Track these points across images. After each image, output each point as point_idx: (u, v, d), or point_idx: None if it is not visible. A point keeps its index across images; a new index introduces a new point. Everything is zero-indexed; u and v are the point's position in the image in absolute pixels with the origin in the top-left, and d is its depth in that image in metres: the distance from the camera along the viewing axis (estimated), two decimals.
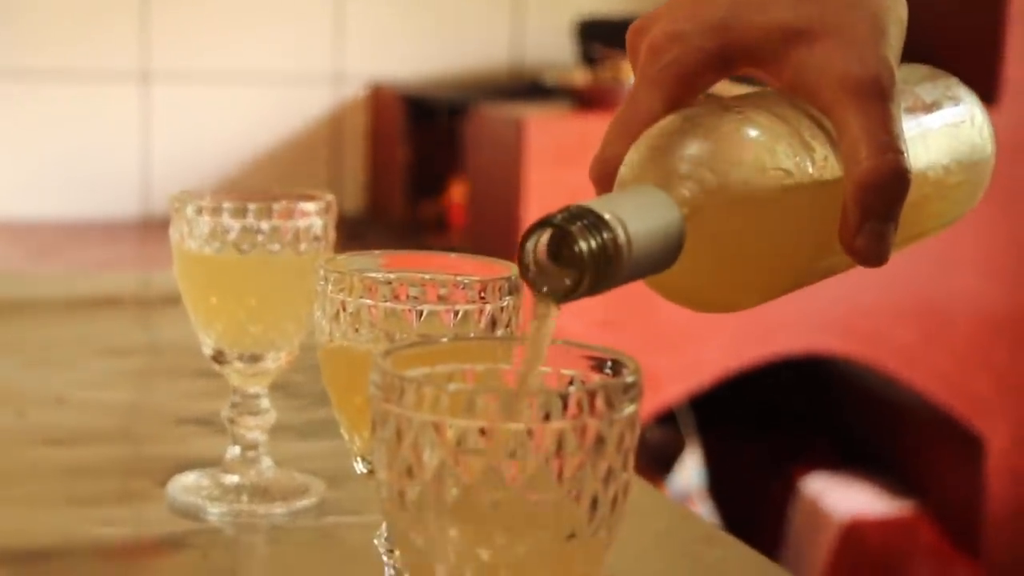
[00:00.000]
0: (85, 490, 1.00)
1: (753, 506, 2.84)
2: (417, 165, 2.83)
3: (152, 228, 2.71)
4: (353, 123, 2.99)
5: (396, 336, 0.64)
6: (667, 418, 2.64)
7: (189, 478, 0.97)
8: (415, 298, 0.65)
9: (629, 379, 0.43)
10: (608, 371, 0.46)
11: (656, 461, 2.65)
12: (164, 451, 1.06)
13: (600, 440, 0.42)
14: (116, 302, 1.57)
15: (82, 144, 2.82)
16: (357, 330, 0.65)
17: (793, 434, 2.92)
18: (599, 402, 0.42)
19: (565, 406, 0.42)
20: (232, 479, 0.96)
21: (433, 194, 2.79)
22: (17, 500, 0.96)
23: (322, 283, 0.66)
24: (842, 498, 2.70)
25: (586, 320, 2.34)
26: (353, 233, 2.60)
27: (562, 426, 0.42)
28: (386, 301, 0.65)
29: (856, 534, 2.67)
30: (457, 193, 2.71)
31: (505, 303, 0.64)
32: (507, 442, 0.41)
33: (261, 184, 2.87)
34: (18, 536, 0.87)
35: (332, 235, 0.89)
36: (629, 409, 0.42)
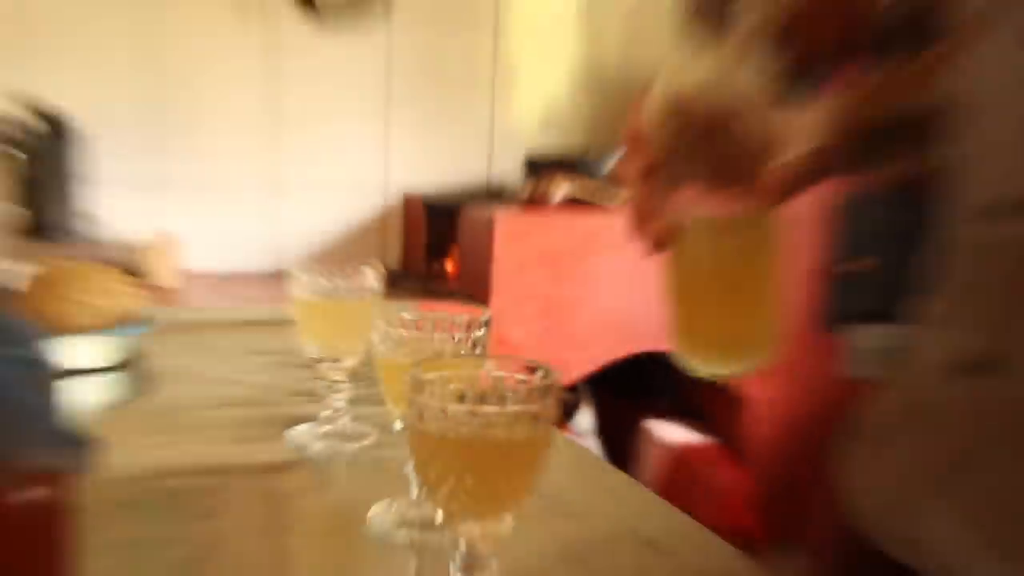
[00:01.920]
0: (240, 434, 1.31)
1: (621, 442, 3.36)
2: (431, 240, 3.45)
3: (278, 277, 3.10)
4: (395, 215, 3.65)
5: (419, 352, 0.93)
6: (571, 385, 3.22)
7: (301, 428, 1.27)
8: (429, 329, 0.95)
9: (552, 379, 0.71)
10: (540, 374, 0.72)
11: (563, 412, 3.06)
12: (287, 412, 1.37)
13: (535, 416, 0.69)
14: (260, 324, 1.98)
15: (241, 222, 3.47)
16: (396, 348, 0.96)
17: (645, 396, 3.45)
18: (537, 393, 0.70)
19: (519, 397, 0.70)
20: (325, 428, 1.26)
21: (440, 257, 3.41)
22: (200, 439, 1.28)
23: (378, 321, 0.96)
24: (671, 435, 3.32)
25: (528, 331, 3.01)
26: (394, 281, 3.32)
27: (518, 409, 0.69)
28: (413, 331, 0.95)
29: (677, 455, 3.27)
30: (453, 256, 3.33)
31: (481, 332, 0.95)
32: (485, 417, 0.67)
33: (343, 250, 3.50)
34: (200, 459, 1.19)
35: (380, 289, 1.24)
36: (550, 399, 0.70)
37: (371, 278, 1.24)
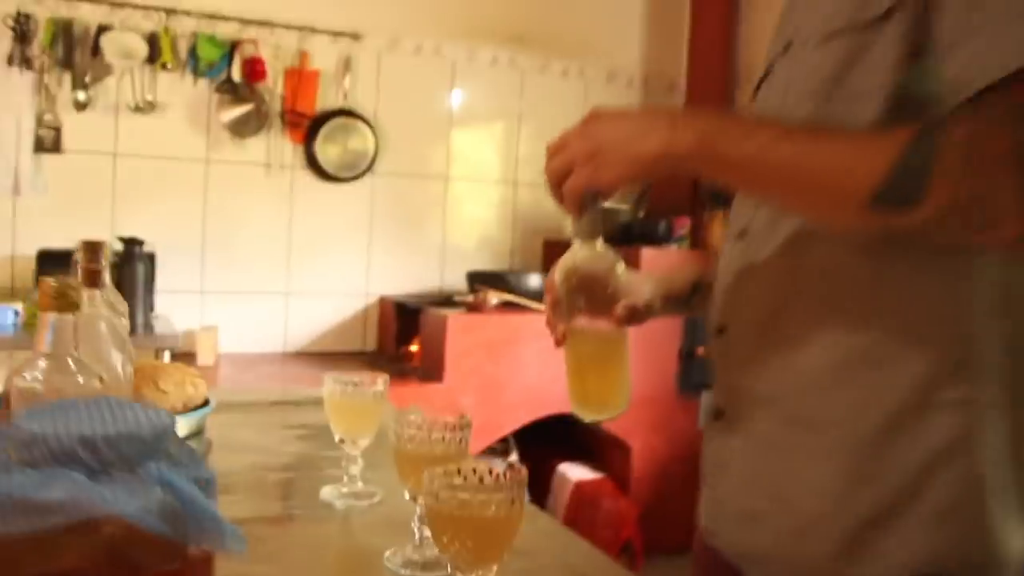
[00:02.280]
0: (279, 491, 1.30)
1: (541, 480, 3.36)
2: (399, 331, 3.43)
3: (286, 356, 3.44)
4: (372, 312, 3.61)
5: (424, 445, 0.95)
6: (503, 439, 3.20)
7: (328, 488, 1.23)
8: (429, 429, 0.96)
9: (523, 474, 0.78)
10: (516, 470, 0.79)
11: (499, 459, 2.81)
12: (316, 475, 1.31)
13: (513, 500, 0.75)
14: (295, 403, 1.86)
15: (261, 316, 3.44)
16: (407, 442, 0.96)
17: (555, 444, 3.42)
18: (515, 484, 0.77)
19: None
20: (345, 489, 1.22)
21: (406, 344, 3.37)
22: (244, 495, 1.22)
23: (395, 423, 0.97)
24: (575, 473, 3.34)
25: (474, 399, 3.02)
26: (372, 361, 3.34)
27: (501, 495, 0.74)
28: (419, 430, 0.96)
29: (580, 489, 3.29)
30: (417, 345, 3.29)
31: (465, 432, 0.97)
32: (480, 501, 0.73)
33: (335, 337, 3.52)
34: (252, 512, 1.14)
35: (387, 391, 1.21)
36: (521, 487, 0.76)
37: (380, 383, 1.23)
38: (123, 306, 1.12)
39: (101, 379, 0.87)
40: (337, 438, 1.23)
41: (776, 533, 0.90)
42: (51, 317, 0.83)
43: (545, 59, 3.81)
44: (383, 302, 3.62)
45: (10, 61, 3.02)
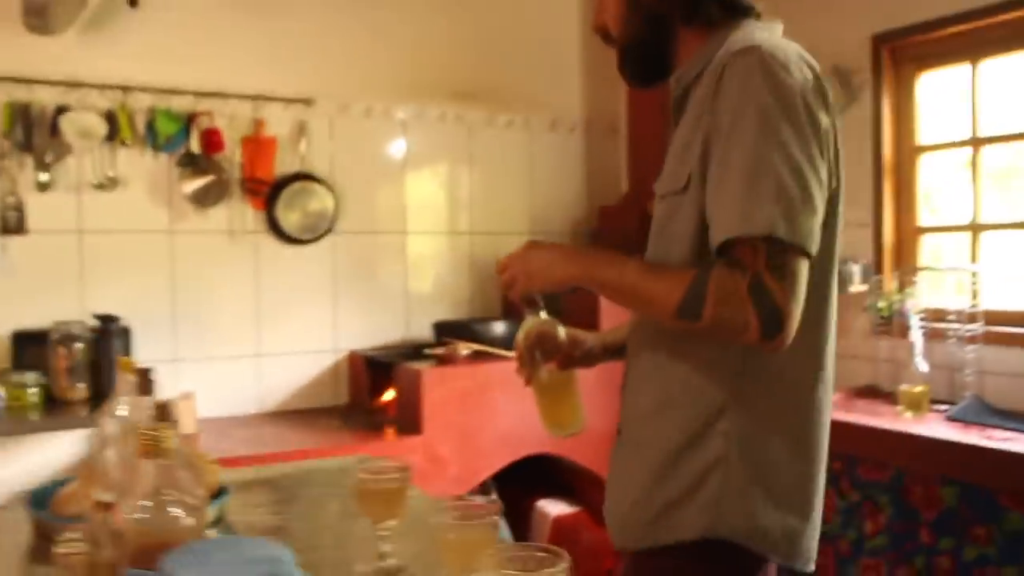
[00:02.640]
0: (313, 571, 1.25)
1: (521, 517, 3.48)
2: (372, 385, 3.51)
3: (261, 417, 3.46)
4: (343, 367, 3.70)
5: (461, 531, 1.09)
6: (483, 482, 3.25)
7: (360, 566, 1.32)
8: (461, 516, 1.09)
9: (564, 559, 0.88)
10: (552, 554, 0.89)
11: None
12: (350, 554, 1.39)
13: None
14: (323, 472, 1.98)
15: (235, 380, 3.49)
16: (445, 529, 1.08)
17: (536, 483, 3.57)
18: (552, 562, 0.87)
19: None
20: (377, 564, 1.31)
21: (378, 397, 3.47)
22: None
23: (436, 513, 1.09)
24: (553, 509, 3.45)
25: (451, 448, 3.10)
26: (346, 414, 3.43)
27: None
28: (454, 517, 1.08)
29: (559, 523, 3.41)
30: (391, 396, 3.38)
31: (496, 518, 1.08)
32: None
33: (307, 394, 3.60)
34: None
35: (409, 480, 1.31)
36: (564, 566, 0.87)
37: (407, 472, 1.33)
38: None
39: (191, 507, 0.99)
40: (370, 523, 1.34)
41: (619, 511, 1.37)
42: (149, 463, 0.95)
43: (490, 112, 3.98)
44: (352, 356, 3.70)
45: None
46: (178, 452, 1.09)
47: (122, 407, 1.35)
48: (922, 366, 2.85)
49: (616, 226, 3.96)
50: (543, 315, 1.47)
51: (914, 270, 3.12)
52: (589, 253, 1.39)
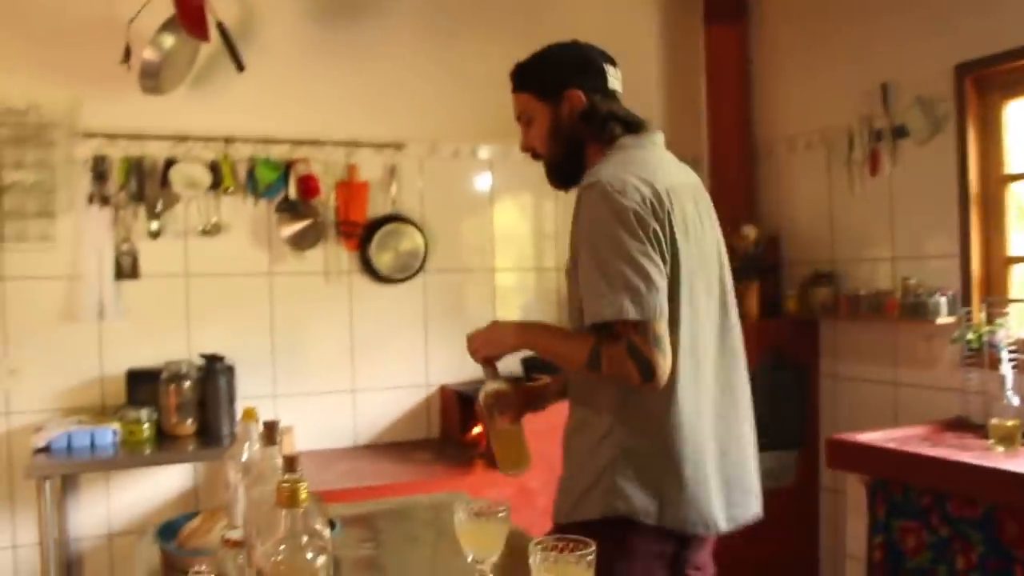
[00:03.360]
0: None
1: None
2: (462, 418, 3.61)
3: (360, 450, 3.63)
4: (434, 401, 3.84)
5: (555, 569, 1.18)
6: None
7: None
8: (558, 552, 1.18)
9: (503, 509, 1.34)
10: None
11: None
12: None
13: None
14: (418, 510, 2.10)
15: (331, 415, 3.67)
16: (540, 565, 1.17)
17: None
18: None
19: None
20: None
21: (469, 430, 3.58)
22: None
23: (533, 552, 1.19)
24: None
25: (539, 475, 3.41)
26: (438, 447, 3.57)
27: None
28: (549, 554, 1.17)
29: None
30: (479, 430, 3.44)
31: (591, 557, 1.17)
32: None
33: (400, 428, 3.75)
34: None
35: (509, 517, 1.38)
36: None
37: (505, 509, 1.40)
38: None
39: (321, 548, 1.13)
40: (469, 558, 1.43)
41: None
42: (286, 512, 1.09)
43: None
44: (444, 391, 3.82)
45: (91, 200, 3.33)
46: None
47: (246, 453, 1.51)
48: (1014, 399, 2.82)
49: None
50: (498, 379, 1.96)
51: (1005, 301, 3.09)
52: (531, 327, 1.95)
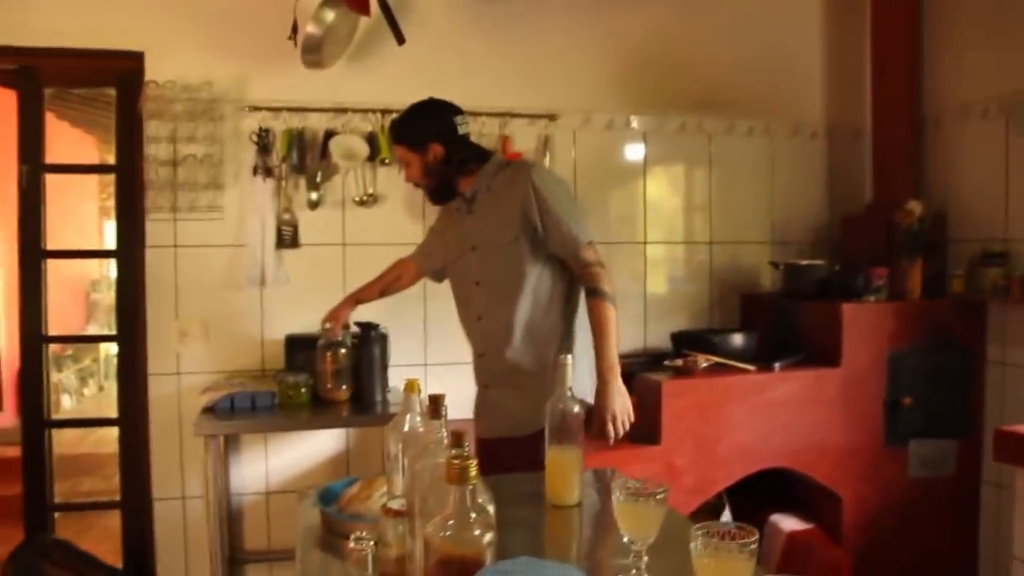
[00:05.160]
0: None
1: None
2: None
3: None
4: None
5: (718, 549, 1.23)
6: (718, 494, 3.35)
7: None
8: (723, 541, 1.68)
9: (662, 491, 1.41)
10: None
11: (713, 513, 3.34)
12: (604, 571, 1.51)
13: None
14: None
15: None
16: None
17: (768, 497, 3.61)
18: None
19: None
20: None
21: None
22: None
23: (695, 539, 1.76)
24: (787, 524, 3.49)
25: (687, 459, 3.23)
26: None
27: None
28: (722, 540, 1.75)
29: (792, 538, 3.45)
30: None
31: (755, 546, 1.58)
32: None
33: None
34: None
35: (667, 501, 1.84)
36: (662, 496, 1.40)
37: (664, 491, 1.45)
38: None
39: (488, 525, 1.20)
40: (625, 538, 1.47)
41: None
42: (455, 489, 1.16)
43: (730, 120, 4.08)
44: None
45: (255, 171, 3.52)
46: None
47: (407, 424, 1.60)
48: None
49: (860, 237, 3.95)
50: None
51: None
52: (605, 360, 2.51)
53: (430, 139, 2.64)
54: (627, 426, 2.44)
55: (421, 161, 2.67)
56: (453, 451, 1.20)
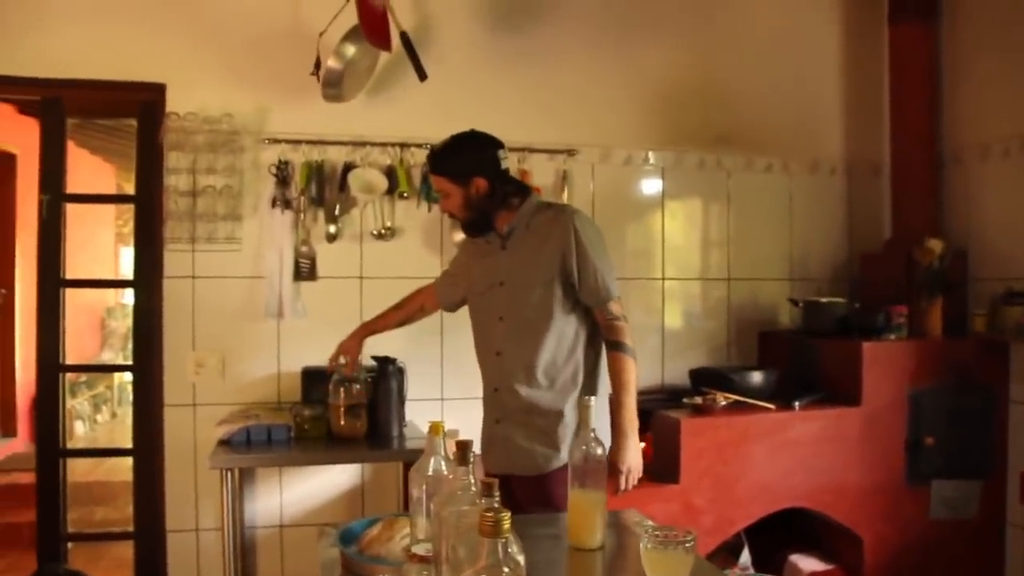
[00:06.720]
0: None
1: (773, 572, 3.45)
2: None
3: None
4: None
5: None
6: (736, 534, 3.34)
7: None
8: None
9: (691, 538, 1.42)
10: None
11: (732, 554, 3.36)
12: None
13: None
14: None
15: None
16: None
17: (788, 537, 3.59)
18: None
19: None
20: None
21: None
22: None
23: None
24: (806, 564, 3.48)
25: (706, 498, 3.21)
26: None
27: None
28: None
29: None
30: (648, 445, 3.27)
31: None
32: None
33: None
34: None
35: (695, 547, 1.82)
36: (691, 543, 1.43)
37: (692, 539, 1.45)
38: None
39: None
40: None
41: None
42: (488, 541, 1.14)
43: (749, 157, 4.07)
44: (612, 401, 3.84)
45: (273, 203, 3.53)
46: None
47: (431, 467, 1.58)
48: None
49: (879, 275, 3.93)
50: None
51: None
52: (623, 416, 2.53)
53: (474, 172, 2.59)
54: (637, 483, 2.52)
55: (463, 194, 2.61)
56: (484, 501, 1.18)
